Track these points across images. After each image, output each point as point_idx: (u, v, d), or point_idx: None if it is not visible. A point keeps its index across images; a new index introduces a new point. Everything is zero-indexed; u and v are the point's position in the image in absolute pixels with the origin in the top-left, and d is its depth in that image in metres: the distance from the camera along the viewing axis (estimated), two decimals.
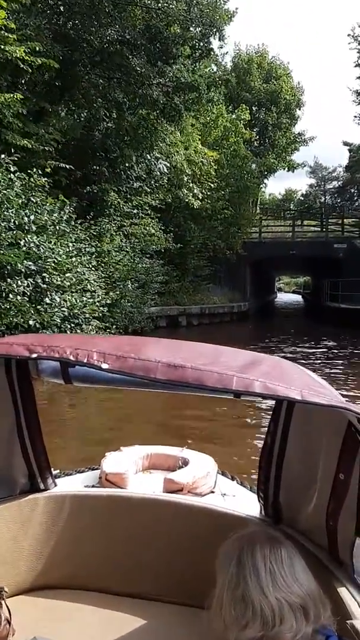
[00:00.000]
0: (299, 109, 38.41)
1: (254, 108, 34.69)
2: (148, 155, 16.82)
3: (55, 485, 2.05)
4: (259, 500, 1.85)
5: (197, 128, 23.47)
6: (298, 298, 54.17)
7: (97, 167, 16.49)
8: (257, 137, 36.52)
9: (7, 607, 1.59)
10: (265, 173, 37.82)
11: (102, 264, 15.61)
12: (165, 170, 17.97)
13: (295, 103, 37.57)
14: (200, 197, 21.74)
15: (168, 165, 18.12)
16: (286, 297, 57.95)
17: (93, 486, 2.24)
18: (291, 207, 51.59)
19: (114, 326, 15.17)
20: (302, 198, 60.41)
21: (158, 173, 17.68)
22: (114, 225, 17.20)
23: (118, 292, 15.69)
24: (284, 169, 39.67)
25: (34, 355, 1.21)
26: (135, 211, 18.46)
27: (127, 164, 16.35)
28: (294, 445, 1.67)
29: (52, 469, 2.05)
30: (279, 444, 1.70)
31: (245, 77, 35.56)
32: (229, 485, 2.49)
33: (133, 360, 1.15)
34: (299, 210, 44.01)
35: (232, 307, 24.34)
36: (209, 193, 22.74)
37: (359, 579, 1.45)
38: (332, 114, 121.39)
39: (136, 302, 16.79)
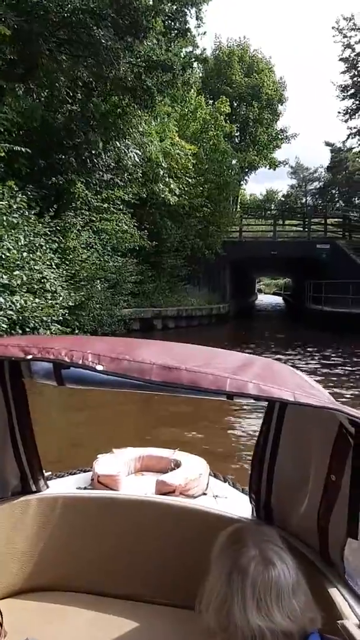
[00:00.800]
0: (281, 105, 37.54)
1: (234, 102, 33.58)
2: (117, 143, 15.41)
3: (47, 487, 2.03)
4: (251, 502, 1.84)
5: (174, 119, 22.22)
6: (279, 300, 53.86)
7: (64, 157, 15.10)
8: (238, 132, 35.45)
9: None
10: (247, 170, 36.81)
11: (66, 262, 14.26)
12: (137, 160, 16.63)
13: (277, 98, 36.66)
14: (178, 193, 20.51)
15: (140, 153, 16.76)
16: (267, 299, 57.67)
17: (85, 488, 2.21)
18: (272, 207, 50.84)
19: (80, 330, 13.94)
20: (284, 199, 59.93)
21: (129, 163, 16.32)
22: (80, 219, 15.87)
23: (84, 293, 14.43)
24: (265, 166, 38.74)
25: (29, 357, 1.20)
26: (105, 205, 17.18)
27: (93, 151, 14.91)
28: (286, 447, 1.66)
29: (44, 471, 2.00)
30: (271, 445, 1.69)
31: (225, 70, 34.47)
32: (220, 486, 2.48)
33: (128, 362, 1.14)
34: (280, 210, 43.12)
35: (211, 309, 23.22)
36: (186, 189, 21.54)
37: (349, 580, 1.43)
38: (313, 115, 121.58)
39: (106, 303, 15.68)
